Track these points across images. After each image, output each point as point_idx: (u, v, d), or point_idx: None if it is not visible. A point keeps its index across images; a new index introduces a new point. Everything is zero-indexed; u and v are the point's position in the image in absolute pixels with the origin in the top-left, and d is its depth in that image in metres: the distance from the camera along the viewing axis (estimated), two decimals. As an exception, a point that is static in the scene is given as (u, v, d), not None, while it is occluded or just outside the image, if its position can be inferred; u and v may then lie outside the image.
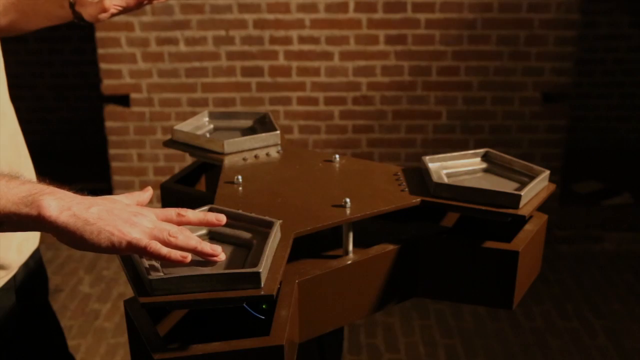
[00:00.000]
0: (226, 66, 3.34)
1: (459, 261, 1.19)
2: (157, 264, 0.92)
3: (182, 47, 3.31)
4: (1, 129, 1.23)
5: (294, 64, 3.33)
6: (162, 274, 0.90)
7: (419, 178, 1.24)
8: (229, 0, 3.25)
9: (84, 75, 4.46)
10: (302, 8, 3.25)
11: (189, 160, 3.31)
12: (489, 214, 1.14)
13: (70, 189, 0.92)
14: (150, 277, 0.87)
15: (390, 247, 1.16)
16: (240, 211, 1.04)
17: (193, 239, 0.90)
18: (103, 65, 3.35)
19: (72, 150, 4.60)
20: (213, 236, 1.02)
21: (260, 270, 0.87)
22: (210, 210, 1.03)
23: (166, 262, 0.88)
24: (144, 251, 0.86)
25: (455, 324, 2.87)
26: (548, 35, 3.27)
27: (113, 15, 1.31)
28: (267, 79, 3.36)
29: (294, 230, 1.04)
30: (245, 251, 0.97)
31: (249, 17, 3.27)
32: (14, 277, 1.30)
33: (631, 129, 4.40)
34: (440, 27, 3.27)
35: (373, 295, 1.17)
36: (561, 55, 3.30)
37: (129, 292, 2.85)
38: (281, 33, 3.29)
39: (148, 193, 0.99)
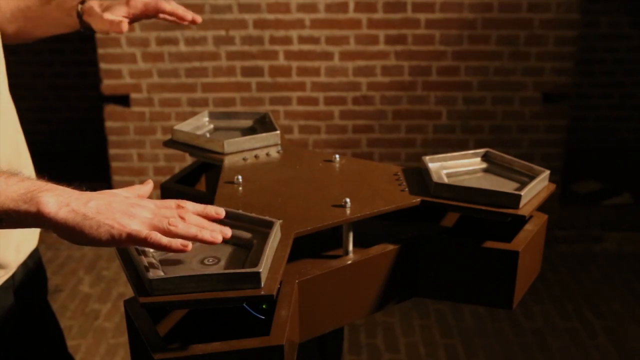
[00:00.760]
0: (226, 66, 3.34)
1: (459, 261, 1.19)
2: (156, 264, 0.92)
3: (182, 47, 3.31)
4: (1, 127, 1.22)
5: (294, 64, 3.33)
6: (162, 273, 0.90)
7: (419, 178, 1.24)
8: (229, 0, 3.25)
9: (84, 75, 4.46)
10: (302, 8, 3.25)
11: (189, 160, 3.31)
12: (489, 214, 1.14)
13: (69, 187, 0.92)
14: (150, 277, 0.87)
15: (390, 247, 1.16)
16: (240, 211, 1.04)
17: (191, 228, 0.90)
18: (103, 65, 3.35)
19: (72, 150, 4.60)
20: (213, 236, 1.02)
21: (260, 270, 0.87)
22: (210, 210, 1.03)
23: (168, 251, 0.88)
24: (144, 242, 0.86)
25: (455, 324, 2.87)
26: (548, 35, 3.27)
27: (121, 30, 1.30)
28: (267, 79, 3.36)
29: (294, 230, 1.04)
30: (245, 251, 0.97)
31: (249, 17, 3.27)
32: (13, 276, 1.30)
33: (631, 129, 4.40)
34: (440, 27, 3.27)
35: (373, 295, 1.17)
36: (561, 55, 3.30)
37: (129, 292, 2.85)
38: (281, 33, 3.29)
39: (148, 186, 0.99)
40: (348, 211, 1.11)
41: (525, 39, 3.28)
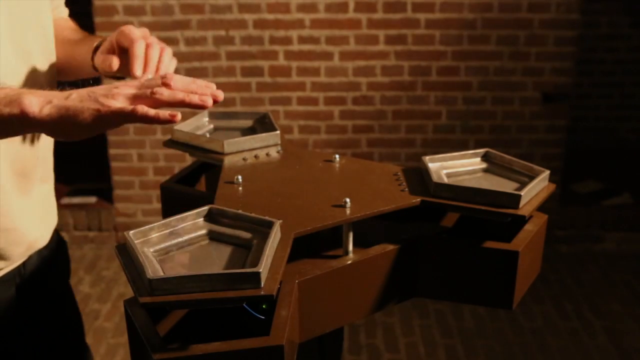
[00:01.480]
0: (226, 66, 3.34)
1: (459, 261, 1.19)
2: (157, 264, 0.92)
3: (182, 47, 3.31)
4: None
5: (294, 64, 3.33)
6: (162, 273, 0.90)
7: (419, 178, 1.24)
8: (229, 0, 3.25)
9: (84, 75, 4.46)
10: (302, 8, 3.25)
11: (189, 160, 3.31)
12: (489, 214, 1.14)
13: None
14: (150, 277, 0.87)
15: (390, 247, 1.16)
16: (240, 211, 1.04)
17: (179, 92, 0.88)
18: (103, 65, 3.34)
19: (72, 150, 4.59)
20: (213, 236, 1.02)
21: (260, 270, 0.87)
22: (210, 210, 1.03)
23: (157, 123, 0.86)
24: (132, 117, 0.84)
25: (455, 324, 2.87)
26: (548, 35, 3.27)
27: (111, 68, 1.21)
28: (267, 79, 3.36)
29: (294, 230, 1.04)
30: (245, 251, 0.97)
31: (249, 17, 3.27)
32: (23, 265, 1.27)
33: (631, 129, 4.40)
34: (440, 27, 3.27)
35: (373, 295, 1.17)
36: (561, 55, 3.30)
37: (129, 292, 2.85)
38: (281, 33, 3.29)
39: (154, 78, 0.95)
40: (348, 211, 1.11)
41: (525, 39, 3.28)
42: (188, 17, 3.27)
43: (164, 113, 0.85)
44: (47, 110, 0.85)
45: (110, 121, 0.85)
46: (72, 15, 1.46)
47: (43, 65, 1.24)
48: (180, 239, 1.00)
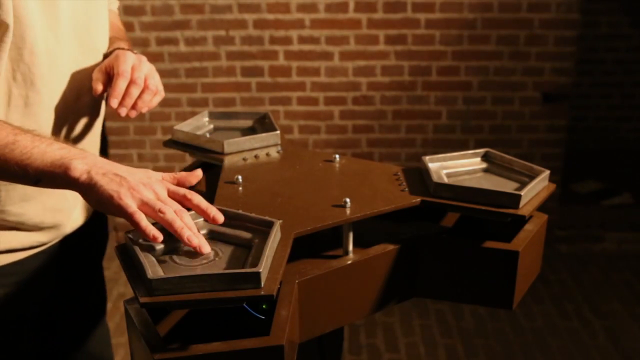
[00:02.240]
0: (226, 66, 3.34)
1: (459, 261, 1.19)
2: (157, 264, 0.92)
3: (182, 47, 3.31)
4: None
5: (294, 64, 3.33)
6: (162, 273, 0.90)
7: (419, 178, 1.24)
8: (229, 0, 3.25)
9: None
10: (302, 8, 3.25)
11: (189, 160, 3.31)
12: (489, 214, 1.15)
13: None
14: (150, 277, 0.87)
15: (390, 247, 1.16)
16: (240, 211, 1.04)
17: (177, 221, 0.95)
18: (103, 65, 3.34)
19: (72, 150, 4.59)
20: (213, 236, 1.02)
21: (261, 270, 0.87)
22: (210, 210, 1.03)
23: (143, 235, 0.95)
24: (129, 218, 0.94)
25: (455, 324, 2.87)
26: (548, 35, 3.27)
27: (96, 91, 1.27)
28: (267, 79, 3.36)
29: (294, 230, 1.04)
30: (245, 251, 0.97)
31: (249, 17, 3.27)
32: (60, 243, 1.34)
33: (631, 129, 4.39)
34: (440, 27, 3.27)
35: (373, 295, 1.17)
36: (561, 55, 3.30)
37: (129, 292, 2.85)
38: (281, 33, 3.29)
39: (192, 176, 1.06)
40: (348, 211, 1.11)
41: (525, 39, 3.28)
42: (188, 17, 3.27)
43: (150, 230, 0.94)
44: (83, 179, 0.97)
45: (116, 211, 0.95)
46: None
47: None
48: (180, 239, 1.00)
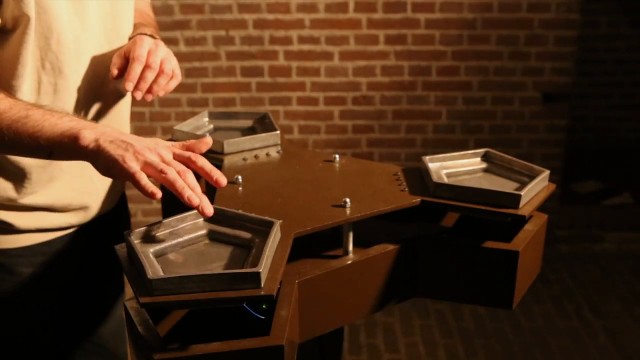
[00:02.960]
0: (226, 66, 3.34)
1: (459, 261, 1.19)
2: (156, 264, 0.92)
3: (182, 47, 3.31)
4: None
5: (294, 64, 3.33)
6: (162, 273, 0.90)
7: (419, 178, 1.24)
8: (229, 0, 3.25)
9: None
10: (302, 8, 3.25)
11: (189, 160, 3.30)
12: (489, 214, 1.15)
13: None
14: (150, 277, 0.87)
15: (390, 247, 1.16)
16: (240, 211, 1.04)
17: (179, 181, 0.97)
18: (103, 65, 3.34)
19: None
20: (213, 236, 1.02)
21: (260, 270, 0.87)
22: (210, 210, 1.03)
23: (143, 193, 0.96)
24: (131, 178, 0.96)
25: (455, 324, 2.87)
26: (548, 35, 3.27)
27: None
28: (267, 79, 3.36)
29: (294, 230, 1.04)
30: (245, 251, 0.97)
31: (249, 17, 3.27)
32: (81, 229, 1.37)
33: (631, 129, 4.39)
34: (440, 27, 3.27)
35: (373, 295, 1.17)
36: (561, 55, 3.30)
37: (129, 292, 2.84)
38: (281, 33, 3.29)
39: (206, 140, 1.07)
40: (348, 211, 1.11)
41: (525, 39, 3.28)
42: (188, 17, 3.27)
43: (150, 187, 0.96)
44: (92, 147, 1.00)
45: (120, 174, 0.98)
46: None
47: None
48: (180, 239, 1.00)
